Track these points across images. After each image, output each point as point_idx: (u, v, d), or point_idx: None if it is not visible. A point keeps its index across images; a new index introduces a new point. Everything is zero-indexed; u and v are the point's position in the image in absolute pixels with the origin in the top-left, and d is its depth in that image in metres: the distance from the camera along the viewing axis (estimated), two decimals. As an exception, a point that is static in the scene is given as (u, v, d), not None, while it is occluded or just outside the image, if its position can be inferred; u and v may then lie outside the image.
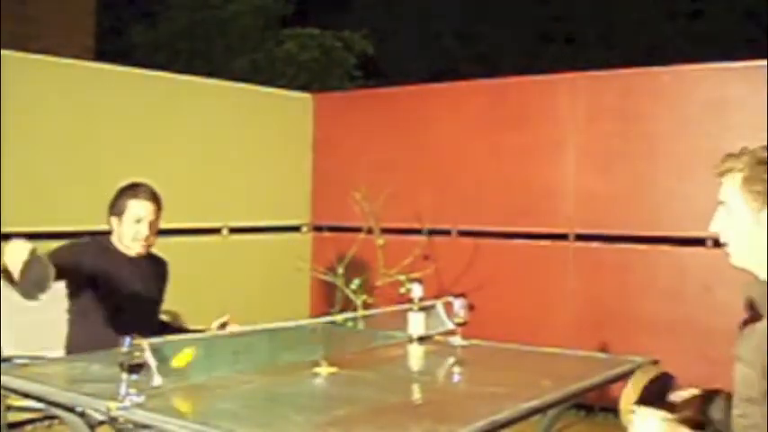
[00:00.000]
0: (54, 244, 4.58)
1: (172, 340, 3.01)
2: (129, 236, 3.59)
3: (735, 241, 2.18)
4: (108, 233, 3.69)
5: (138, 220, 3.59)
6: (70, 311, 3.62)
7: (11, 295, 3.82)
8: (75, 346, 3.51)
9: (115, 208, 3.62)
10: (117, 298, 3.55)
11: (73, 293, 3.56)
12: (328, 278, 5.78)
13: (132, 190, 3.63)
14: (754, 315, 2.18)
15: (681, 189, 5.09)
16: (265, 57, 12.65)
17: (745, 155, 2.14)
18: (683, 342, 4.97)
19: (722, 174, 2.18)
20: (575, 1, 15.61)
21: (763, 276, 2.13)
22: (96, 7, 9.90)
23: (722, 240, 2.22)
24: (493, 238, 5.78)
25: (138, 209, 3.59)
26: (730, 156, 2.17)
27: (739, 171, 2.13)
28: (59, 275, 3.12)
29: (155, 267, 3.81)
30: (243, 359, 3.12)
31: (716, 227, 2.22)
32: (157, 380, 2.49)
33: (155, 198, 3.65)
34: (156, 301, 3.85)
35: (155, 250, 3.78)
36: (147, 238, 3.61)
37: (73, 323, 3.61)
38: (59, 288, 4.08)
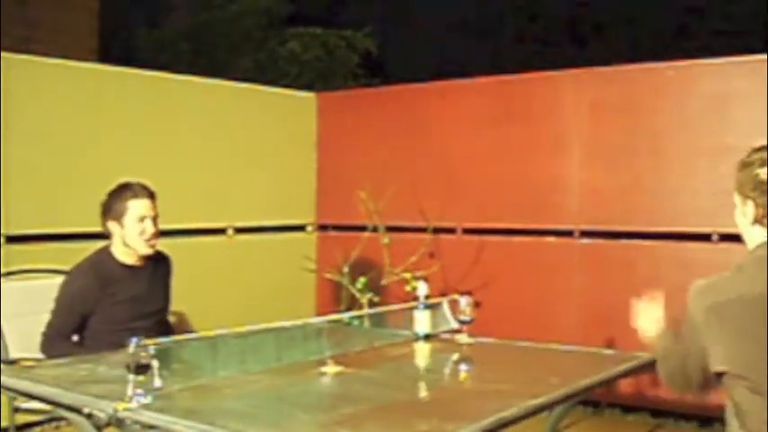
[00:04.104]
0: (56, 246, 4.60)
1: (176, 341, 3.02)
2: (135, 235, 3.57)
3: (742, 232, 2.44)
4: (101, 236, 3.68)
5: (142, 219, 3.57)
6: (80, 336, 3.61)
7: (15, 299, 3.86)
8: None
9: (113, 212, 3.59)
10: (124, 311, 3.55)
11: (80, 325, 3.58)
12: (334, 277, 5.78)
13: (128, 190, 3.60)
14: None
15: (685, 184, 5.08)
16: (268, 56, 12.64)
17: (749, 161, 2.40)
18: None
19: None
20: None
21: None
22: (99, 9, 9.90)
23: None
24: (498, 236, 5.77)
25: (140, 208, 3.58)
26: None
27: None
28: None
29: (158, 266, 3.80)
30: (249, 359, 3.12)
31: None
32: (158, 382, 2.49)
33: (152, 194, 3.64)
34: (166, 300, 3.85)
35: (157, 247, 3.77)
36: (154, 235, 3.61)
37: (82, 345, 3.60)
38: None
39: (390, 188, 5.72)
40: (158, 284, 3.79)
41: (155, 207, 3.64)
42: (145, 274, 3.69)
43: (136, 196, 3.58)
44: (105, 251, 3.67)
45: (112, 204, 3.60)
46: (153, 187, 3.69)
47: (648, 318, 2.72)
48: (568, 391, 2.74)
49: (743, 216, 2.38)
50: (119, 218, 3.58)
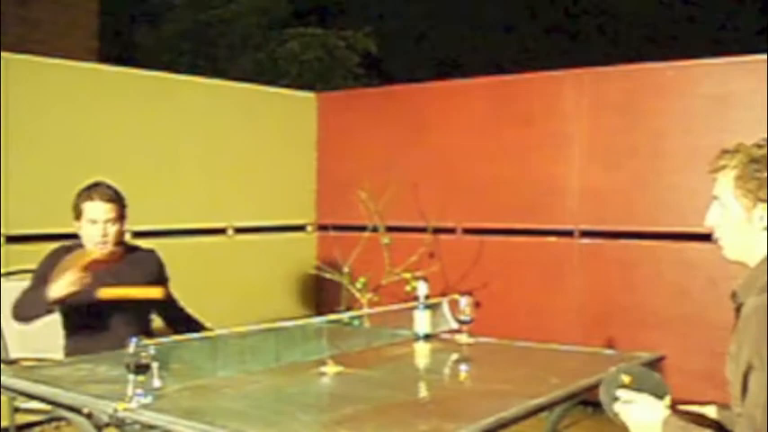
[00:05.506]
0: (56, 246, 4.60)
1: (175, 341, 3.02)
2: (87, 238, 3.55)
3: (728, 236, 2.25)
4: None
5: (94, 222, 3.53)
6: (63, 325, 3.62)
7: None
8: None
9: (74, 211, 3.58)
10: (96, 305, 3.49)
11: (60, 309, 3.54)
12: (334, 277, 5.78)
13: (87, 191, 3.57)
14: (737, 308, 2.21)
15: (685, 184, 5.08)
16: (268, 56, 12.65)
17: (740, 152, 2.18)
18: (689, 337, 4.96)
19: (716, 170, 2.23)
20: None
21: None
22: (99, 9, 9.90)
23: (716, 235, 2.28)
24: (498, 236, 5.77)
25: (93, 211, 3.53)
26: (725, 152, 2.22)
27: (732, 168, 2.18)
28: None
29: (140, 263, 3.74)
30: (249, 359, 3.12)
31: (710, 221, 2.28)
32: (157, 382, 2.49)
33: (110, 198, 3.57)
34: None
35: (140, 243, 3.71)
36: (104, 240, 3.54)
37: (65, 336, 3.61)
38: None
39: (390, 188, 5.72)
40: (140, 279, 3.66)
41: (113, 210, 3.56)
42: (120, 270, 3.62)
43: (91, 199, 3.54)
44: (78, 245, 3.63)
45: (75, 203, 3.59)
46: (121, 191, 3.62)
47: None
48: (568, 391, 2.74)
49: (748, 220, 2.15)
50: (77, 218, 3.58)
